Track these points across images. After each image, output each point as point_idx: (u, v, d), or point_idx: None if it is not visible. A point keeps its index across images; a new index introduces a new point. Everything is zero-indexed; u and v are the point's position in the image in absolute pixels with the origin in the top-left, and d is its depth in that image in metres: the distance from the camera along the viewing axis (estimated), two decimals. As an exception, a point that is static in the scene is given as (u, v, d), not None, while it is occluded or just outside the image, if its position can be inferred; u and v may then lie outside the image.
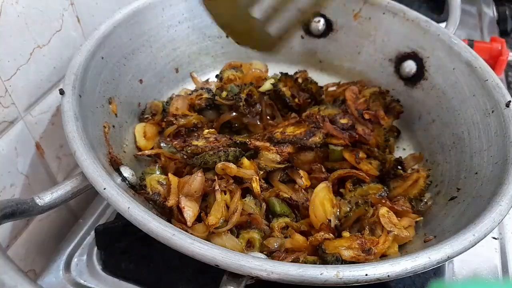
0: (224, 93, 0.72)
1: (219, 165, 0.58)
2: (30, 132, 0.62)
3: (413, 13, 0.77)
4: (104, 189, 0.46)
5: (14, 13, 0.56)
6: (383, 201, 0.58)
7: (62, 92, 0.54)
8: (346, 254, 0.51)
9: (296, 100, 0.75)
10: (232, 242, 0.55)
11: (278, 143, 0.64)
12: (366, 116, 0.70)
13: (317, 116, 0.68)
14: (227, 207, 0.57)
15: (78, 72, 0.58)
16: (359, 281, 0.42)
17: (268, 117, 0.74)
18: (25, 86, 0.60)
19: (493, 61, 0.92)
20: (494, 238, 0.70)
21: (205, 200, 0.59)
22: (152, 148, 0.69)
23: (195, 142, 0.64)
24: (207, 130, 0.69)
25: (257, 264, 0.42)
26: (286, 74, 0.78)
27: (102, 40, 0.64)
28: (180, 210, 0.56)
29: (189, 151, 0.62)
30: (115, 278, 0.62)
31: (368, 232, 0.55)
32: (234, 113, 0.72)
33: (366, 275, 0.42)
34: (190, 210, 0.56)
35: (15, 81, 0.58)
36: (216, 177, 0.58)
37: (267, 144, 0.63)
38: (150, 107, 0.73)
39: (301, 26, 0.86)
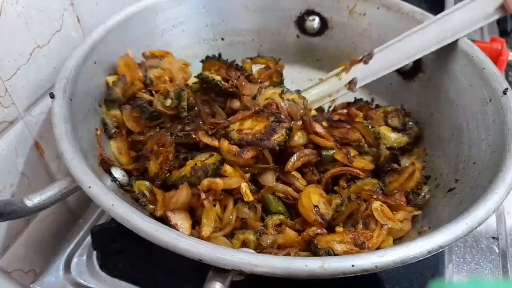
0: (168, 101, 0.65)
1: (204, 182, 0.54)
2: (30, 132, 0.63)
3: (407, 7, 0.77)
4: (89, 187, 0.46)
5: (14, 13, 0.56)
6: (374, 196, 0.57)
7: (52, 95, 0.55)
8: (339, 248, 0.50)
9: (230, 82, 0.66)
10: (227, 243, 0.54)
11: (235, 144, 0.57)
12: (336, 118, 0.68)
13: (278, 105, 0.61)
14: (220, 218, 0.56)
15: (69, 76, 0.59)
16: (345, 273, 0.41)
17: (208, 115, 0.67)
18: (25, 86, 0.60)
19: (493, 61, 0.89)
20: (494, 238, 0.68)
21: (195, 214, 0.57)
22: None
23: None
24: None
25: (241, 258, 0.41)
26: (208, 56, 0.73)
27: (94, 45, 0.65)
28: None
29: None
30: (115, 278, 0.62)
31: (361, 226, 0.54)
32: (179, 126, 0.65)
33: (353, 266, 0.40)
34: (183, 224, 0.54)
35: (15, 81, 0.58)
36: (202, 193, 0.55)
37: (226, 143, 0.57)
38: (111, 119, 0.66)
39: (296, 25, 0.86)
